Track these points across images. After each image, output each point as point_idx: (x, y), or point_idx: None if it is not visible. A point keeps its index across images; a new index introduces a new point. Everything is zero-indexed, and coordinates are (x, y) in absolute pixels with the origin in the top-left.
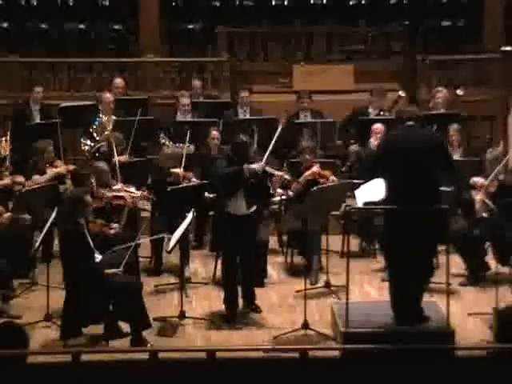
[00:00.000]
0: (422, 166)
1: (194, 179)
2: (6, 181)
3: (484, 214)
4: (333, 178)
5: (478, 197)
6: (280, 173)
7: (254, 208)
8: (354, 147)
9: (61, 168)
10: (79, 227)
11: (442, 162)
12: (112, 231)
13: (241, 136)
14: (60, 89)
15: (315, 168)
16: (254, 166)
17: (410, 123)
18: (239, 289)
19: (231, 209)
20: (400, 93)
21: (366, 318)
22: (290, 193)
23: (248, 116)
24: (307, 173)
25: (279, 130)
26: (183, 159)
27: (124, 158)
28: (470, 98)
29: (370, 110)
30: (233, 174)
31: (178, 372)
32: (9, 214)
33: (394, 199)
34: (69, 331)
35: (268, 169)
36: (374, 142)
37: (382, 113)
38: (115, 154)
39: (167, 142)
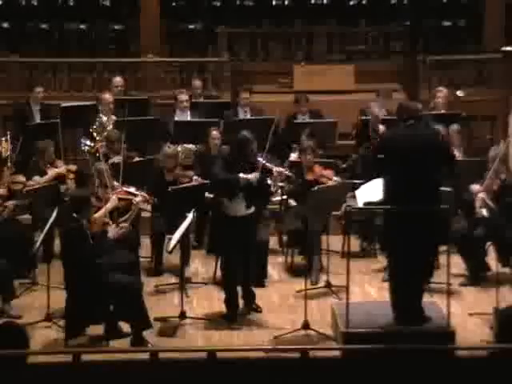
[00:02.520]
0: (422, 166)
1: (194, 177)
2: (5, 184)
3: (484, 214)
4: (335, 178)
5: (479, 197)
6: (279, 169)
7: (252, 209)
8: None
9: (61, 168)
10: (81, 227)
11: (443, 157)
12: (121, 231)
13: (244, 132)
14: (60, 89)
15: (316, 171)
16: (249, 176)
17: (411, 121)
18: (239, 289)
19: (230, 210)
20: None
21: (366, 317)
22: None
23: (249, 116)
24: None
25: (272, 128)
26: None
27: (123, 156)
28: (470, 98)
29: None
30: (227, 181)
31: (178, 372)
32: (12, 202)
33: (394, 198)
34: (73, 331)
35: (267, 165)
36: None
37: (389, 116)
38: (115, 151)
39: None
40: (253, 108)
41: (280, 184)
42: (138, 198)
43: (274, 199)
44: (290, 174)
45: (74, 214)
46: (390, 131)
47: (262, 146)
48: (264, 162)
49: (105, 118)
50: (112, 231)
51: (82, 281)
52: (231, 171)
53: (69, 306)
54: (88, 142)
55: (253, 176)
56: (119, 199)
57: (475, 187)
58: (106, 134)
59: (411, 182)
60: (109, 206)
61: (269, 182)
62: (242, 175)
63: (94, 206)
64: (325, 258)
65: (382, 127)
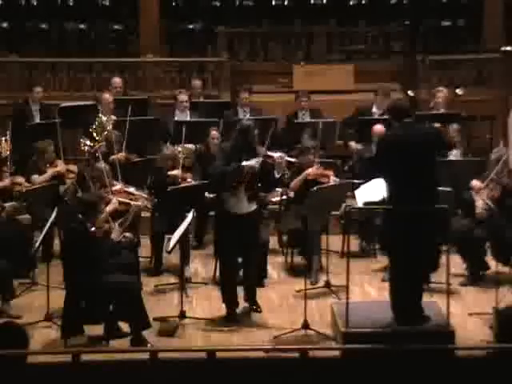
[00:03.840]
0: (422, 165)
1: (190, 179)
2: (6, 182)
3: (484, 214)
4: (333, 178)
5: (479, 197)
6: (278, 154)
7: (254, 206)
8: (354, 143)
9: (61, 168)
10: (85, 228)
11: (440, 146)
12: (124, 240)
13: (244, 121)
14: (60, 89)
15: (314, 168)
16: (250, 162)
17: (408, 120)
18: (240, 288)
19: (232, 208)
20: (409, 92)
21: (366, 318)
22: (291, 193)
23: (248, 116)
24: (308, 171)
25: (272, 128)
26: (181, 160)
27: (121, 155)
28: (470, 98)
29: (374, 110)
30: (232, 172)
31: (178, 372)
32: (13, 203)
33: (394, 198)
34: (69, 330)
35: (269, 153)
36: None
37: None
38: (114, 151)
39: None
40: (252, 108)
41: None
42: (138, 203)
43: (273, 199)
44: (291, 159)
45: (80, 216)
46: (390, 131)
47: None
48: (266, 151)
49: (104, 118)
50: (116, 233)
51: (81, 281)
52: (233, 160)
53: (67, 305)
54: (88, 142)
55: (254, 162)
56: (120, 202)
57: (476, 183)
58: (105, 134)
59: (412, 180)
60: (109, 208)
61: (276, 175)
62: (244, 163)
63: (102, 212)
64: (324, 258)
65: (379, 125)
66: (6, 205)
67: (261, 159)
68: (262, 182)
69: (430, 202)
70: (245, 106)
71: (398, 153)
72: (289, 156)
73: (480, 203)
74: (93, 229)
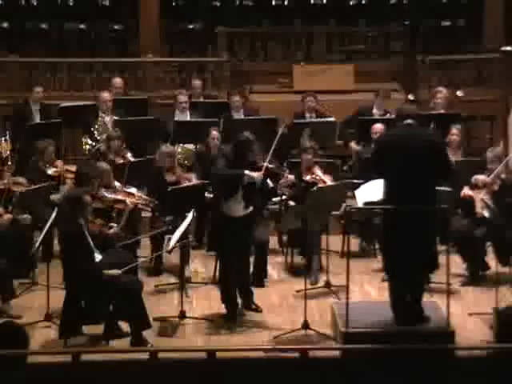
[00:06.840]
0: (420, 166)
1: (194, 180)
2: (6, 182)
3: (485, 214)
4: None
5: (479, 196)
6: (287, 175)
7: (250, 209)
8: (354, 144)
9: (61, 168)
10: (79, 227)
11: (439, 163)
12: (111, 231)
13: (245, 133)
14: (60, 89)
15: (317, 173)
16: (253, 174)
17: (409, 122)
18: (238, 289)
19: (228, 210)
20: (409, 96)
21: (366, 317)
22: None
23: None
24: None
25: (279, 133)
26: (180, 160)
27: (120, 157)
28: (470, 98)
29: (375, 111)
30: (231, 177)
31: (178, 372)
32: (9, 215)
33: (392, 198)
34: (68, 330)
35: (275, 170)
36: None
37: (388, 115)
38: (114, 151)
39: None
40: (246, 109)
41: (285, 189)
42: (137, 202)
43: (274, 199)
44: (295, 180)
45: (72, 215)
46: (388, 132)
47: (263, 146)
48: (270, 165)
49: (107, 118)
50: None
51: (81, 281)
52: (233, 169)
53: (67, 305)
54: (90, 142)
55: (257, 175)
56: (117, 201)
57: (479, 177)
58: (105, 133)
59: (409, 181)
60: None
61: (270, 184)
62: (247, 172)
63: (90, 205)
64: (324, 258)
65: (379, 125)
66: (6, 217)
67: (262, 175)
68: (260, 194)
69: (427, 202)
70: (237, 109)
71: (393, 153)
72: (290, 157)
73: (479, 201)
74: (83, 223)
